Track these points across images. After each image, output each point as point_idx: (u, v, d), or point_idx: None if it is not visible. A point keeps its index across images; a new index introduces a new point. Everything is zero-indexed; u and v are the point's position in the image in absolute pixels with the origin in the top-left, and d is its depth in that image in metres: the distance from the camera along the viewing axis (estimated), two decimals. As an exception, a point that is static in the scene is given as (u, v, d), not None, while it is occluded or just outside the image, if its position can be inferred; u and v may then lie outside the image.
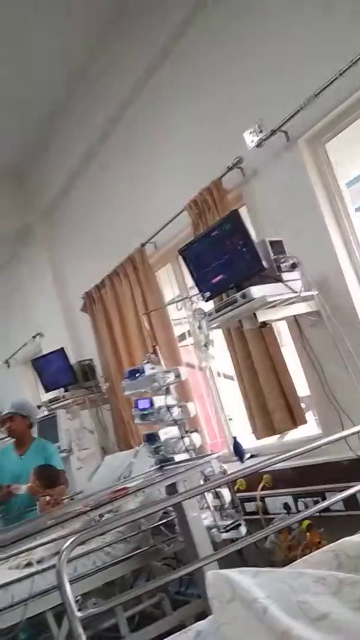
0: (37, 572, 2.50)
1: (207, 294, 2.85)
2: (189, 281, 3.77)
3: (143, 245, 4.04)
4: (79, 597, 2.65)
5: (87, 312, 4.89)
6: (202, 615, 2.63)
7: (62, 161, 4.95)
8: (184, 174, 3.67)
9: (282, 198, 3.03)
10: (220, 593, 1.38)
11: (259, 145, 2.97)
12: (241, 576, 1.39)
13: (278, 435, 3.35)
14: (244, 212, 3.10)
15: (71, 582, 1.74)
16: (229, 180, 3.27)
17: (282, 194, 3.03)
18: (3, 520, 3.79)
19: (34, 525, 2.63)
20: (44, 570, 2.51)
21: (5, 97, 4.31)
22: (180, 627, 2.79)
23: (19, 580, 2.47)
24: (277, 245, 2.75)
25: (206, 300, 2.92)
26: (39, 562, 2.63)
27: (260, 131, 2.97)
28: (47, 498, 3.29)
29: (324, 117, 2.79)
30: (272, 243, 2.73)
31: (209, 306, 2.91)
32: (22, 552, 2.53)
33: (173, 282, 4.18)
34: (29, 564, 2.64)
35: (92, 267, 4.74)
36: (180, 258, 3.27)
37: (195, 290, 3.04)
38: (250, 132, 3.01)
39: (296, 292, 2.66)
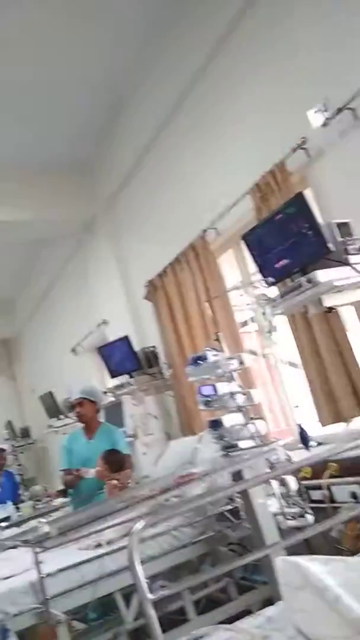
0: (108, 553, 2.57)
1: (271, 280, 2.80)
2: (252, 267, 3.71)
3: (205, 231, 4.02)
4: (147, 580, 2.70)
5: (149, 300, 4.94)
6: (269, 601, 2.63)
7: (124, 151, 5.01)
8: (247, 158, 3.61)
9: (349, 178, 2.92)
10: (290, 580, 1.37)
11: (324, 124, 2.87)
12: (312, 564, 1.37)
13: (344, 423, 3.27)
14: (309, 195, 3.01)
15: (140, 563, 1.78)
16: (293, 162, 3.19)
17: (349, 174, 2.92)
18: (73, 502, 3.92)
19: (103, 508, 2.70)
20: (113, 551, 2.58)
21: (72, 86, 4.39)
22: (246, 612, 2.81)
23: (89, 560, 2.55)
24: (344, 228, 2.65)
25: (270, 286, 2.87)
26: (108, 543, 2.70)
27: (326, 110, 2.87)
28: (114, 482, 3.36)
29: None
30: (339, 225, 2.63)
31: (272, 292, 2.85)
32: (92, 533, 2.61)
33: (235, 268, 4.14)
34: (98, 545, 2.72)
35: (154, 255, 4.77)
36: (242, 243, 3.23)
37: (258, 276, 3.00)
38: (316, 111, 2.91)
39: (364, 276, 2.56)
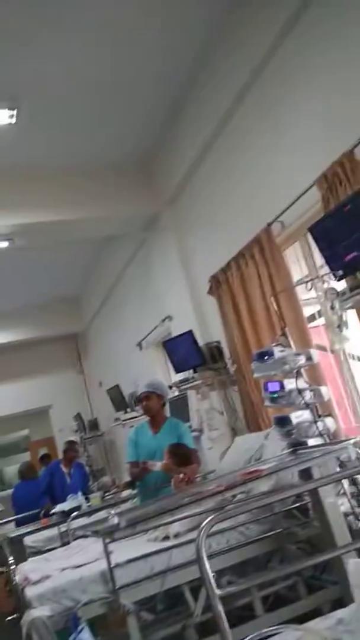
0: (176, 546, 2.60)
1: (340, 273, 2.71)
2: (319, 260, 3.62)
3: (269, 224, 3.96)
4: (214, 574, 2.71)
5: (213, 295, 4.93)
6: (339, 602, 2.57)
7: (186, 146, 5.01)
8: (314, 147, 3.51)
9: None
10: (363, 584, 1.33)
11: None
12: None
13: None
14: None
15: (207, 558, 1.79)
16: (361, 151, 3.07)
17: None
18: (140, 494, 3.99)
19: (170, 501, 2.73)
20: (181, 544, 2.61)
21: (137, 82, 4.45)
22: (315, 611, 2.76)
23: (157, 552, 2.59)
24: None
25: (338, 280, 2.78)
26: (175, 536, 2.74)
27: None
28: (181, 476, 3.39)
29: None
30: None
31: (341, 286, 2.77)
32: (160, 525, 2.64)
33: (301, 262, 4.05)
34: (166, 538, 2.76)
35: (218, 250, 4.75)
36: (309, 236, 3.15)
37: (326, 269, 2.92)
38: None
39: None
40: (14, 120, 4.32)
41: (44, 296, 8.60)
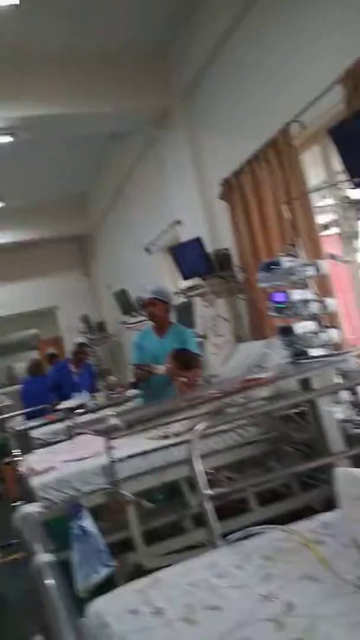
0: (174, 445, 2.70)
1: (358, 180, 2.58)
2: (338, 166, 3.43)
3: (288, 124, 3.71)
4: (212, 471, 2.84)
5: (225, 200, 4.76)
6: (330, 500, 2.70)
7: (202, 37, 4.62)
8: (338, 40, 3.20)
9: None
10: (348, 491, 1.37)
11: None
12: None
13: None
14: None
15: (204, 456, 1.85)
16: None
17: None
18: (143, 395, 4.11)
19: (171, 405, 2.80)
20: (179, 443, 2.70)
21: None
22: (307, 508, 2.92)
23: (156, 450, 2.70)
24: None
25: (357, 188, 2.65)
26: (175, 435, 2.83)
27: None
28: (184, 379, 3.46)
29: None
30: None
31: (359, 194, 2.64)
32: (159, 425, 2.73)
33: (319, 167, 3.84)
34: (165, 437, 2.86)
35: (231, 151, 4.52)
36: (329, 140, 2.96)
37: (344, 176, 2.76)
38: None
39: None
40: (17, 1, 3.94)
41: (51, 194, 8.38)
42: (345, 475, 1.41)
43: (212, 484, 2.01)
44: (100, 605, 1.34)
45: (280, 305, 2.96)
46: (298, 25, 3.55)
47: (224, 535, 1.58)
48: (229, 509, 3.00)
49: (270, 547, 1.39)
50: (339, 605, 1.10)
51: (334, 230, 3.76)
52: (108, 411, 3.50)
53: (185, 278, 5.08)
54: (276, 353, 3.40)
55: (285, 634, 1.04)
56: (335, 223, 3.71)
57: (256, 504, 2.97)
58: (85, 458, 2.68)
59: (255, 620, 1.08)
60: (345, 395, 2.84)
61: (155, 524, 2.92)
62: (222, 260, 4.77)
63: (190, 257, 4.89)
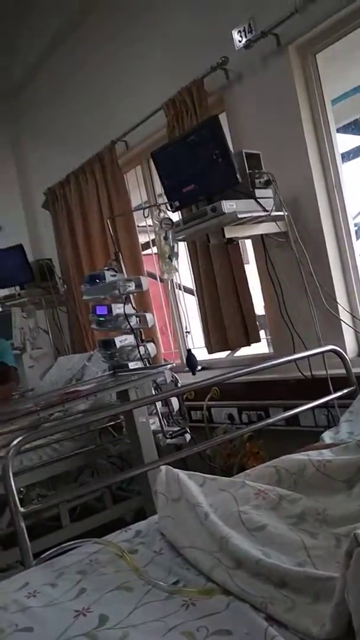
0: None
1: (176, 204, 2.74)
2: (159, 188, 3.61)
3: (114, 142, 3.81)
4: (22, 489, 2.74)
5: (48, 210, 4.68)
6: (141, 511, 2.80)
7: (33, 38, 4.50)
8: (164, 70, 3.40)
9: (264, 107, 2.87)
10: (169, 490, 1.44)
11: (247, 46, 2.75)
12: (191, 481, 1.45)
13: (230, 351, 3.43)
14: (223, 119, 2.93)
15: (16, 474, 1.78)
16: (211, 82, 3.05)
17: (264, 102, 2.86)
18: None
19: (-17, 419, 2.64)
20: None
21: None
22: (119, 520, 2.98)
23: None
24: (253, 159, 2.63)
25: (174, 210, 2.82)
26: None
27: (251, 31, 2.74)
28: (-4, 394, 3.30)
29: (318, 24, 2.57)
30: (248, 156, 2.61)
31: (177, 216, 2.81)
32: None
33: (142, 187, 4.00)
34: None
35: (57, 162, 4.47)
36: (151, 162, 3.11)
37: (164, 198, 2.93)
38: (240, 31, 2.77)
39: (267, 211, 2.59)
40: None
41: None
42: (168, 473, 1.48)
43: (23, 501, 1.94)
44: None
45: (102, 319, 3.00)
46: (128, 50, 3.67)
47: (38, 554, 1.53)
48: (42, 527, 2.93)
49: (85, 561, 1.39)
50: (152, 612, 1.11)
51: (154, 249, 3.94)
52: None
53: (3, 286, 4.84)
54: (96, 366, 3.42)
55: (98, 647, 1.04)
56: (154, 242, 3.89)
57: (69, 520, 2.95)
58: None
59: (69, 637, 1.06)
60: (159, 407, 2.98)
61: None
62: (44, 270, 4.65)
63: (9, 265, 4.66)
